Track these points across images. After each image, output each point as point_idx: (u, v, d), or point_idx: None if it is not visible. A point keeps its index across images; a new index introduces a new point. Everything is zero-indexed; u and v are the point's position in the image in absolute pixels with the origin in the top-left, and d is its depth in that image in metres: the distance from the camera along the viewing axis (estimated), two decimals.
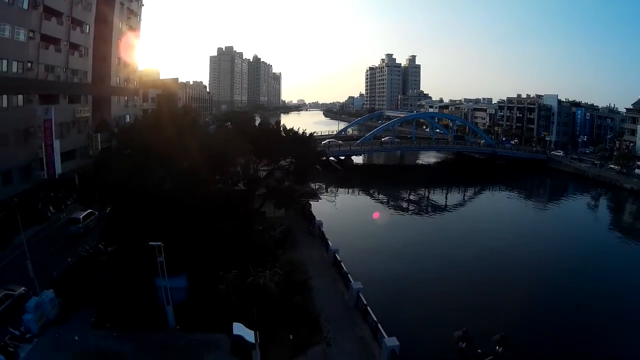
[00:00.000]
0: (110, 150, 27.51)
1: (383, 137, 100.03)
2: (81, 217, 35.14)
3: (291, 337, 20.28)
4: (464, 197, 69.96)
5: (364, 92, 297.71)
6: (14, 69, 35.83)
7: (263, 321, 20.17)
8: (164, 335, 20.67)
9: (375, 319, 20.36)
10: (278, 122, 30.52)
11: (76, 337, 20.11)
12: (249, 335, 12.69)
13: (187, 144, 24.68)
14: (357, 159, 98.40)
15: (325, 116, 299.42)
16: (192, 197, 25.49)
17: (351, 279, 24.43)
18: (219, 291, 21.86)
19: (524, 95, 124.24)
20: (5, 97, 34.93)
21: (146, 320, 21.27)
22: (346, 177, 78.99)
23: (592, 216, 61.72)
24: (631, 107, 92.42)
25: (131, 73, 66.16)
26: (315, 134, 47.55)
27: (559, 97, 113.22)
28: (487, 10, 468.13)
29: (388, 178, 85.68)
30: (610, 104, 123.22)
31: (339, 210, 53.92)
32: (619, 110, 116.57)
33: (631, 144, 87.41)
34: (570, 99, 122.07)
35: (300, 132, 31.47)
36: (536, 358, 23.87)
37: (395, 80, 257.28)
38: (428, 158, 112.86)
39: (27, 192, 36.61)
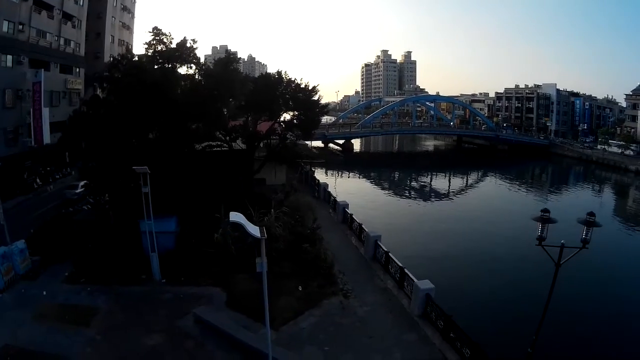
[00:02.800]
0: (96, 99, 24.75)
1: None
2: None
3: (300, 288, 17.67)
4: (466, 181, 66.91)
5: (359, 89, 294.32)
6: (5, 29, 34.89)
7: (268, 272, 17.53)
8: (146, 288, 17.86)
9: (400, 264, 17.54)
10: (279, 71, 27.57)
11: (44, 293, 17.34)
12: (254, 229, 9.73)
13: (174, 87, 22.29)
14: (357, 146, 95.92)
15: None
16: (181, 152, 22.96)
17: (366, 229, 21.75)
18: (214, 241, 19.19)
19: (522, 86, 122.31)
20: None
21: (128, 274, 18.54)
22: (347, 162, 76.63)
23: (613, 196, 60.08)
24: (631, 93, 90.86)
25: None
26: None
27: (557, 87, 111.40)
28: (483, 8, 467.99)
29: (389, 164, 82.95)
30: (608, 95, 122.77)
31: (340, 192, 51.08)
32: (617, 101, 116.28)
33: (632, 130, 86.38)
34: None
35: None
36: None
37: (391, 76, 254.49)
38: (428, 146, 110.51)
39: (12, 158, 34.92)
